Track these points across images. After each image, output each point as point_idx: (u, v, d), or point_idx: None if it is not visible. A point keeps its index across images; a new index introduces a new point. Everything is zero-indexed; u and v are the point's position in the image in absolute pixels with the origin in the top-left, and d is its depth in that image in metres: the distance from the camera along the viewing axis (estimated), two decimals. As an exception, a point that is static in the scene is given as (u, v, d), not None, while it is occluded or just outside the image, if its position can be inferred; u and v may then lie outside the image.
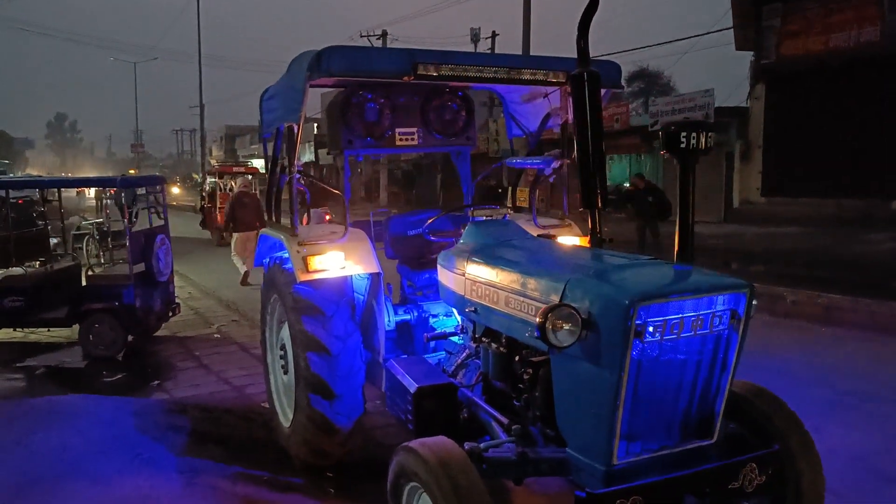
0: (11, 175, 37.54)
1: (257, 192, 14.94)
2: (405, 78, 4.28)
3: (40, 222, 10.56)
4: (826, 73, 18.04)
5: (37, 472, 4.42)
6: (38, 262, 9.52)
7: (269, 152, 5.52)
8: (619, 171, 25.89)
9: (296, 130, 4.67)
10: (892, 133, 16.84)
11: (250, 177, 19.38)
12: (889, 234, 14.61)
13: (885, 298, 9.44)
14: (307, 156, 44.15)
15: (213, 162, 70.26)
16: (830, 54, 17.85)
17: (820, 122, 18.47)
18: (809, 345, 8.17)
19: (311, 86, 4.35)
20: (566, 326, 2.91)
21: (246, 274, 12.96)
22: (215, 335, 9.53)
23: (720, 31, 22.15)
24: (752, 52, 20.61)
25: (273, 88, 5.33)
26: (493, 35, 34.57)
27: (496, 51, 32.60)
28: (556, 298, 3.12)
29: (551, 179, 5.29)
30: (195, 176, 64.44)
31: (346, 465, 4.81)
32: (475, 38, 35.13)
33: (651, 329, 2.89)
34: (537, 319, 2.94)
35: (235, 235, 13.31)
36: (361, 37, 36.49)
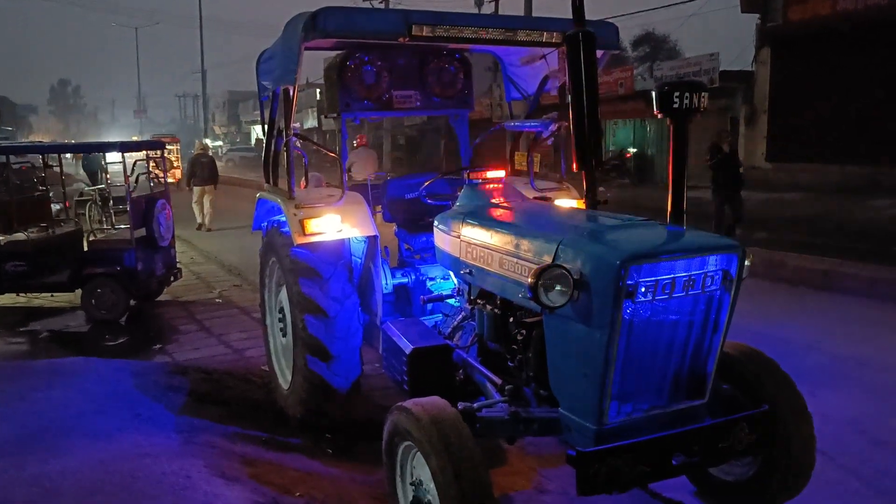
0: (14, 142, 37.48)
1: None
2: (400, 39, 4.25)
3: (42, 188, 10.56)
4: (833, 36, 17.79)
5: (39, 427, 4.47)
6: (39, 228, 9.55)
7: (266, 116, 5.50)
8: (623, 135, 25.75)
9: (291, 93, 4.66)
10: (899, 98, 16.68)
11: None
12: (894, 200, 14.54)
13: (886, 265, 9.44)
14: (310, 121, 43.97)
15: (216, 128, 69.95)
16: (838, 17, 17.58)
17: (826, 87, 18.27)
18: (808, 310, 8.19)
19: (307, 48, 4.32)
20: (557, 287, 2.92)
21: (201, 224, 15.95)
22: (217, 299, 9.59)
23: (726, -7, 21.86)
24: (757, 15, 20.35)
25: (269, 51, 5.29)
26: (497, -2, 34.09)
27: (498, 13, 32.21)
28: (548, 259, 3.13)
29: (549, 142, 5.27)
30: (198, 141, 64.27)
31: (344, 425, 4.87)
32: (479, 2, 34.63)
33: (643, 289, 2.90)
34: (529, 280, 2.95)
35: (195, 188, 15.87)
36: (364, 0, 36.04)
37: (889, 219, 13.05)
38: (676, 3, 22.20)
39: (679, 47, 40.80)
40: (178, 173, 21.34)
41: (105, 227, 11.98)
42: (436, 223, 4.50)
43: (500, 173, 4.99)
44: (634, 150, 24.58)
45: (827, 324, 7.54)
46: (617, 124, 25.86)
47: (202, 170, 15.82)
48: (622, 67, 25.37)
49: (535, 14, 23.53)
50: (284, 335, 5.26)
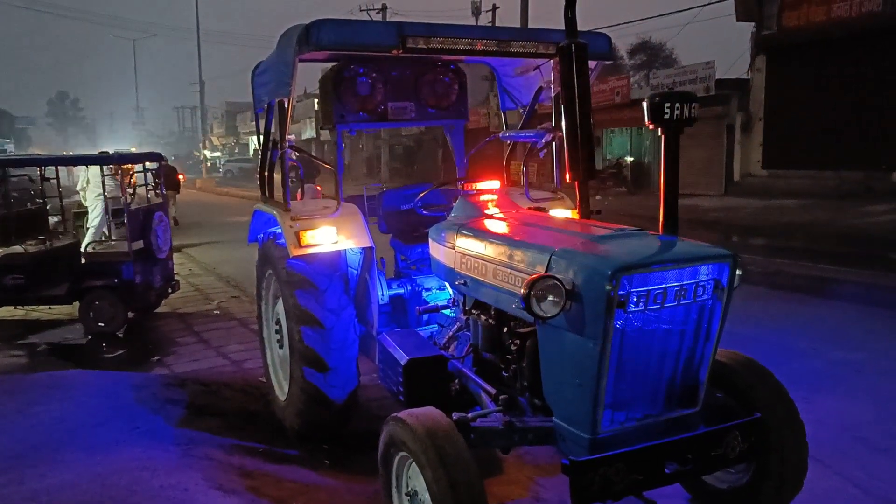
0: (13, 153, 37.49)
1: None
2: (394, 51, 4.27)
3: (39, 200, 10.57)
4: (827, 43, 17.88)
5: (37, 440, 4.48)
6: (37, 240, 9.56)
7: (262, 127, 5.54)
8: (619, 143, 25.82)
9: (286, 105, 4.69)
10: (893, 104, 16.74)
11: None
12: (889, 205, 14.58)
13: (881, 270, 9.48)
14: (308, 132, 44.07)
15: (214, 139, 70.08)
16: (832, 25, 17.68)
17: (821, 94, 18.35)
18: (804, 316, 8.21)
19: (301, 60, 4.35)
20: (550, 297, 2.94)
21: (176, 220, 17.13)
22: (215, 311, 9.60)
23: (721, 1, 21.96)
24: (753, 23, 20.44)
25: (264, 63, 5.32)
26: (494, 8, 34.30)
27: (497, 25, 32.36)
28: (541, 270, 3.15)
29: (541, 154, 5.30)
30: (196, 153, 64.42)
31: (341, 436, 4.88)
32: (476, 11, 34.82)
33: (634, 299, 2.92)
34: (522, 290, 2.97)
35: None
36: (361, 10, 36.20)
37: (884, 224, 13.08)
38: (673, 12, 22.28)
39: (675, 55, 40.92)
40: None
41: (103, 239, 11.98)
42: (430, 234, 4.52)
43: (495, 184, 5.02)
44: (631, 158, 24.64)
45: (823, 330, 7.55)
46: (613, 132, 25.94)
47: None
48: (618, 76, 25.46)
49: (532, 24, 23.61)
50: (281, 347, 5.27)
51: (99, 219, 10.30)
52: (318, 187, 6.01)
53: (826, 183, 17.62)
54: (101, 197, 9.93)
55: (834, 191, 17.03)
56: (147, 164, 9.73)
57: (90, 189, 10.56)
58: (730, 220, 15.30)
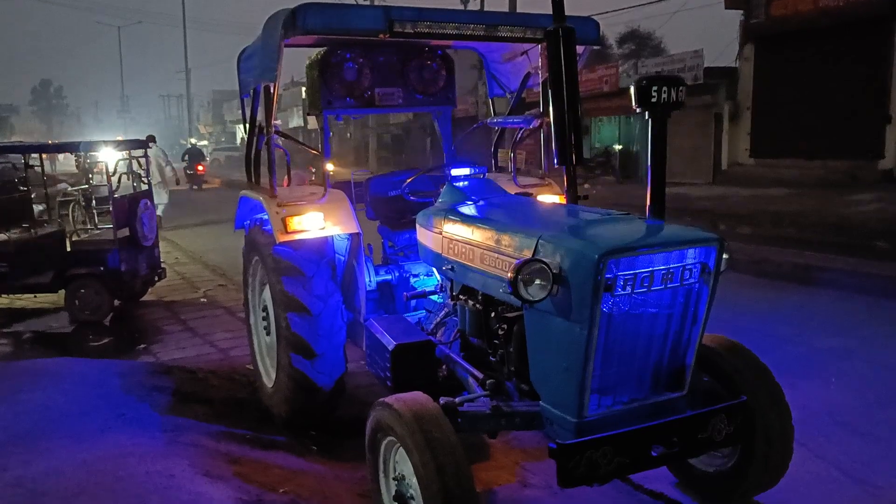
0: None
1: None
2: (381, 35, 4.25)
3: (22, 188, 10.47)
4: (815, 33, 17.93)
5: (21, 429, 4.44)
6: (21, 228, 9.47)
7: (248, 113, 5.50)
8: (608, 132, 25.83)
9: (272, 90, 4.66)
10: (880, 94, 16.83)
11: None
12: (875, 194, 14.68)
13: (865, 258, 9.55)
14: (295, 120, 43.87)
15: (201, 128, 69.60)
16: (820, 14, 17.73)
17: (809, 83, 18.42)
18: (790, 303, 8.26)
19: (287, 45, 4.32)
20: (537, 281, 2.94)
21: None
22: (201, 299, 9.56)
23: (710, -11, 21.95)
24: (741, 12, 20.46)
25: (250, 48, 5.28)
26: (482, -5, 34.11)
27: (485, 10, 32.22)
28: (528, 254, 3.15)
29: (517, 136, 5.30)
30: (182, 142, 63.99)
31: (329, 423, 4.88)
32: (464, -1, 34.63)
33: (621, 283, 2.92)
34: (509, 275, 2.97)
35: None
36: (349, -2, 35.99)
37: (870, 213, 13.17)
38: (661, 0, 22.25)
39: (664, 44, 40.90)
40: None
41: (88, 227, 11.89)
42: (418, 220, 4.51)
43: (483, 170, 5.01)
44: (619, 147, 24.66)
45: (809, 317, 7.60)
46: (602, 121, 25.94)
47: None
48: (607, 64, 25.43)
49: (519, 10, 23.52)
50: (268, 334, 5.25)
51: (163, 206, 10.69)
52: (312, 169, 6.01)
53: (813, 172, 17.70)
54: (161, 183, 10.24)
55: (821, 180, 17.11)
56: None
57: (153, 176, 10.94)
58: (717, 208, 15.34)
